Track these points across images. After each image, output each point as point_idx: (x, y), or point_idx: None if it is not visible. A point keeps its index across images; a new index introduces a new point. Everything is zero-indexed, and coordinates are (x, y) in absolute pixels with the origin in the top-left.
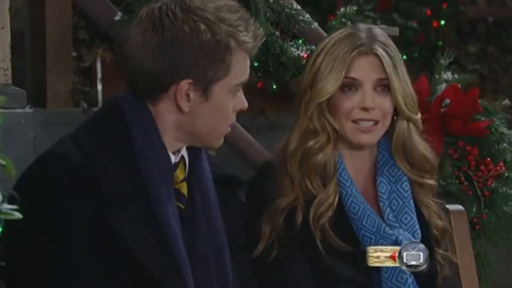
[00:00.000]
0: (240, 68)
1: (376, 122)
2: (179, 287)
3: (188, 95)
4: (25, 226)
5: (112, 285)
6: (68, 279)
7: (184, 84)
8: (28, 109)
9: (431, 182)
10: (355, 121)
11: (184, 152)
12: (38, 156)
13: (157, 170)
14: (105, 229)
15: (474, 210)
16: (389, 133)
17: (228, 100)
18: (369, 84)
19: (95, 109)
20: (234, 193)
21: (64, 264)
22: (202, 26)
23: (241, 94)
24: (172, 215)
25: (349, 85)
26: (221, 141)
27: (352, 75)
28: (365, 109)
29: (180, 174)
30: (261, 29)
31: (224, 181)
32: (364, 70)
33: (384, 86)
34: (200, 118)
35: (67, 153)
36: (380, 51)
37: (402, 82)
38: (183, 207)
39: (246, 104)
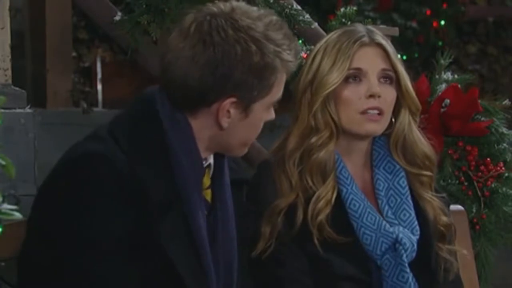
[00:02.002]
0: (280, 86)
1: (381, 113)
2: None
3: (229, 112)
4: (60, 227)
5: None
6: (99, 286)
7: (228, 102)
8: (28, 109)
9: (430, 174)
10: (363, 112)
11: (211, 159)
12: (74, 151)
13: (193, 177)
14: (144, 237)
15: (474, 210)
16: (388, 132)
17: (264, 115)
18: (374, 74)
19: (95, 109)
20: (241, 196)
21: (102, 273)
22: (253, 47)
23: (272, 107)
24: (202, 223)
25: (354, 76)
26: (246, 150)
27: (356, 65)
28: (372, 96)
29: (206, 181)
30: (298, 44)
31: (237, 185)
32: (368, 60)
33: (387, 77)
34: (236, 133)
35: (112, 155)
36: (383, 42)
37: (405, 73)
38: (206, 213)
39: (274, 116)
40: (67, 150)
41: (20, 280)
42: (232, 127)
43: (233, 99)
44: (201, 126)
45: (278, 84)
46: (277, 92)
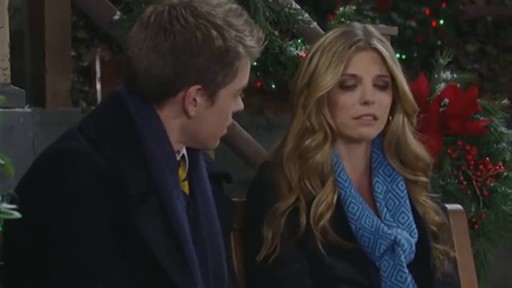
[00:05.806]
0: (245, 73)
1: (375, 118)
2: (189, 285)
3: (195, 100)
4: (48, 224)
5: (131, 284)
6: (91, 279)
7: (193, 90)
8: (27, 109)
9: (425, 179)
10: (357, 118)
11: (184, 151)
12: (51, 151)
13: (168, 170)
14: (126, 229)
15: (473, 209)
16: (383, 132)
17: (231, 103)
18: (369, 79)
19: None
20: (221, 189)
21: (95, 266)
22: (214, 33)
23: (239, 96)
24: (182, 214)
25: (349, 82)
26: (218, 142)
27: (351, 71)
28: (365, 103)
29: (181, 173)
30: (261, 31)
31: (215, 179)
32: (363, 66)
33: (382, 83)
34: (204, 122)
35: (85, 150)
36: (379, 46)
37: (402, 77)
38: (185, 204)
39: (242, 106)
40: (39, 154)
41: (8, 279)
42: (199, 116)
43: (198, 86)
44: (169, 116)
45: (243, 70)
46: (242, 79)
